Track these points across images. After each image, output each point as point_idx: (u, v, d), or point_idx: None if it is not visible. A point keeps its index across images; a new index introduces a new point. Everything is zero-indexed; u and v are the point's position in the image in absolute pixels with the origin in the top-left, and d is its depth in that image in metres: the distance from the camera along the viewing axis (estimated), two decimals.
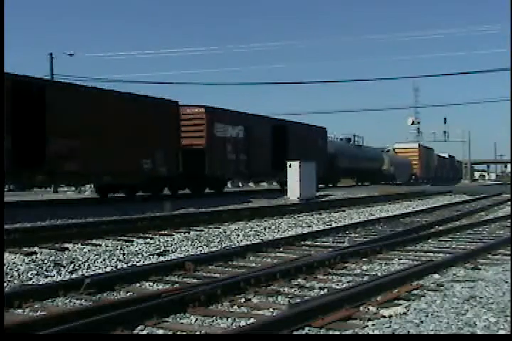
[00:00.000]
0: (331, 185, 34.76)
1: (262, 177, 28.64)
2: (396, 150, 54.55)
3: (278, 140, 26.00)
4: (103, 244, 9.34)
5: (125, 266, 7.74)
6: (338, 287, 6.11)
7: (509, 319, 4.31)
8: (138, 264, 7.82)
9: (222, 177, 24.14)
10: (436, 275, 6.58)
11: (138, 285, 6.39)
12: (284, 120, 28.45)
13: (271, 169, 25.44)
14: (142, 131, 18.15)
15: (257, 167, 24.76)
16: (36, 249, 8.66)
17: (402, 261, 7.80)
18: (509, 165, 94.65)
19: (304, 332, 4.40)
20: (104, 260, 7.95)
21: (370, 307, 5.06)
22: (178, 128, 20.13)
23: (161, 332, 4.53)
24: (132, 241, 9.76)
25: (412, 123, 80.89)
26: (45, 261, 7.58)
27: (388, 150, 57.64)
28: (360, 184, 41.02)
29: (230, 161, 22.99)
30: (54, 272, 7.16)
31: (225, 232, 11.14)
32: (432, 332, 4.08)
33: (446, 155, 74.36)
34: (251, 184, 39.24)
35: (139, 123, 18.06)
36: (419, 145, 58.02)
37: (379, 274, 6.79)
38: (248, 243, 9.79)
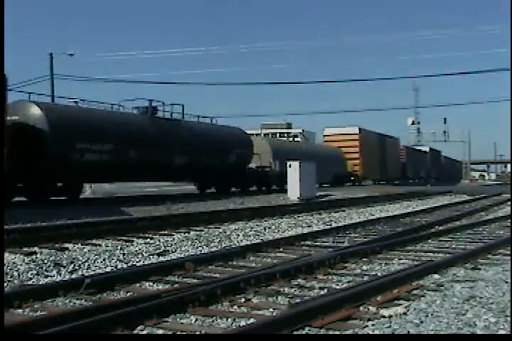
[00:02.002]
0: None
1: None
2: (326, 138, 40.68)
3: None
4: (103, 244, 9.34)
5: (125, 266, 7.74)
6: (338, 287, 6.11)
7: (509, 319, 4.31)
8: (138, 264, 7.82)
9: None
10: (436, 275, 6.58)
11: (138, 285, 6.38)
12: None
13: None
14: None
15: None
16: (36, 249, 8.66)
17: (402, 261, 7.80)
18: (509, 165, 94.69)
19: (304, 332, 4.40)
20: (104, 260, 7.95)
21: (370, 307, 5.06)
22: None
23: (161, 332, 4.52)
24: (132, 241, 9.76)
25: (412, 123, 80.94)
26: (45, 261, 7.58)
27: (296, 136, 48.32)
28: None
29: None
30: (54, 272, 7.15)
31: (225, 232, 11.14)
32: (432, 332, 4.08)
33: (425, 149, 63.27)
34: None
35: None
36: (359, 129, 40.14)
37: (379, 274, 6.79)
38: (248, 243, 9.79)
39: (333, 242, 9.94)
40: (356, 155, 39.58)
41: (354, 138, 39.59)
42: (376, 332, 4.21)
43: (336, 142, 39.22)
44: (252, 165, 27.50)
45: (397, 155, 49.76)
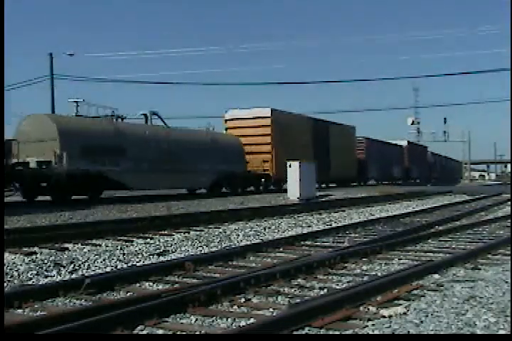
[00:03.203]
0: None
1: None
2: (229, 124, 28.45)
3: None
4: (103, 244, 9.33)
5: (125, 266, 7.74)
6: (338, 287, 6.11)
7: (509, 319, 4.31)
8: (138, 264, 7.82)
9: None
10: (436, 275, 6.58)
11: (138, 285, 6.38)
12: None
13: None
14: None
15: None
16: (36, 249, 8.66)
17: (402, 261, 7.80)
18: (509, 165, 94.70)
19: (304, 332, 4.40)
20: (104, 260, 7.95)
21: (370, 307, 5.06)
22: None
23: (161, 332, 4.52)
24: (132, 241, 9.76)
25: (412, 123, 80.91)
26: (45, 261, 7.58)
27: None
28: None
29: None
30: (54, 272, 7.15)
31: (225, 232, 11.14)
32: (432, 332, 4.08)
33: (403, 143, 52.46)
34: None
35: None
36: (272, 111, 28.02)
37: (379, 274, 6.79)
38: (248, 243, 9.79)
39: (333, 242, 9.94)
40: (267, 148, 27.09)
41: (264, 122, 27.35)
42: (376, 332, 4.20)
43: (242, 129, 27.30)
44: (32, 159, 17.65)
45: (351, 149, 37.86)
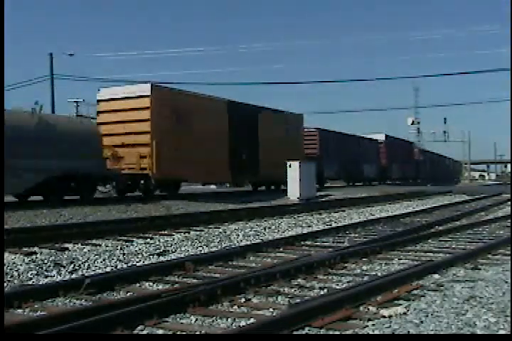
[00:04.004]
0: None
1: None
2: (101, 107, 20.98)
3: None
4: (103, 244, 9.33)
5: (125, 266, 7.74)
6: (338, 287, 6.11)
7: (509, 319, 4.31)
8: (138, 264, 7.82)
9: None
10: (436, 275, 6.58)
11: (138, 285, 6.38)
12: None
13: None
14: None
15: None
16: (36, 249, 8.66)
17: (402, 261, 7.80)
18: (509, 165, 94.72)
19: (304, 332, 4.40)
20: (104, 260, 7.95)
21: (370, 307, 5.06)
22: None
23: (161, 332, 4.52)
24: (132, 241, 9.76)
25: (412, 123, 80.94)
26: (45, 261, 7.58)
27: None
28: None
29: None
30: (54, 272, 7.15)
31: (225, 232, 11.14)
32: (432, 332, 4.08)
33: (379, 137, 43.63)
34: None
35: None
36: (151, 87, 20.19)
37: (379, 274, 6.79)
38: (248, 243, 9.79)
39: (333, 242, 9.94)
40: (145, 139, 19.50)
41: (142, 104, 19.81)
42: (376, 332, 4.20)
43: (116, 113, 20.13)
44: None
45: (296, 144, 28.73)
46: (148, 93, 19.96)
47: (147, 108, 19.78)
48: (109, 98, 20.54)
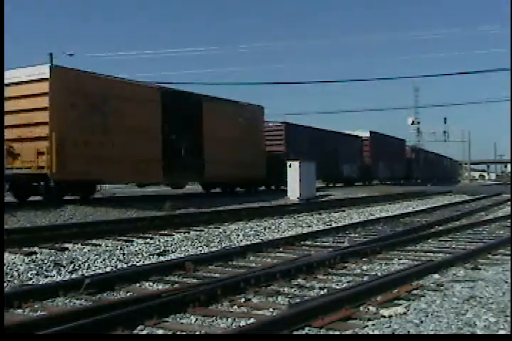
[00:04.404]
0: None
1: None
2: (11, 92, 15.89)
3: None
4: (103, 244, 9.33)
5: (125, 266, 7.74)
6: (338, 287, 6.11)
7: (509, 319, 4.31)
8: (138, 264, 7.82)
9: None
10: (436, 275, 6.58)
11: (138, 285, 6.38)
12: None
13: None
14: None
15: None
16: (36, 249, 8.66)
17: (402, 261, 7.79)
18: (509, 165, 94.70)
19: (304, 332, 4.40)
20: (104, 260, 7.95)
21: (370, 307, 5.06)
22: None
23: (161, 332, 4.52)
24: (132, 241, 9.76)
25: (412, 123, 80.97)
26: (45, 261, 7.58)
27: None
28: None
29: None
30: (54, 272, 7.15)
31: (225, 232, 11.14)
32: (432, 332, 4.08)
33: (363, 134, 39.84)
34: None
35: None
36: (50, 69, 16.05)
37: (379, 274, 6.79)
38: (248, 243, 9.79)
39: (333, 242, 9.94)
40: (43, 131, 15.98)
41: (40, 89, 16.17)
42: (376, 332, 4.20)
43: (14, 101, 16.22)
44: None
45: (256, 139, 24.92)
46: (47, 76, 16.04)
47: (45, 94, 16.02)
48: (8, 82, 16.23)
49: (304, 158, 25.32)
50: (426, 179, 51.51)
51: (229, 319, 4.87)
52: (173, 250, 9.06)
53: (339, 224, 12.85)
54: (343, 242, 9.81)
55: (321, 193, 25.64)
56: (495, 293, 5.33)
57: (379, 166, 41.56)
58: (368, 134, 39.93)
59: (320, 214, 15.93)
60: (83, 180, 16.94)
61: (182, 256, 8.41)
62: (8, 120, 15.67)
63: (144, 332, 4.50)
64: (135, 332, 4.50)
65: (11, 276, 6.77)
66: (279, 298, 5.68)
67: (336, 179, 36.59)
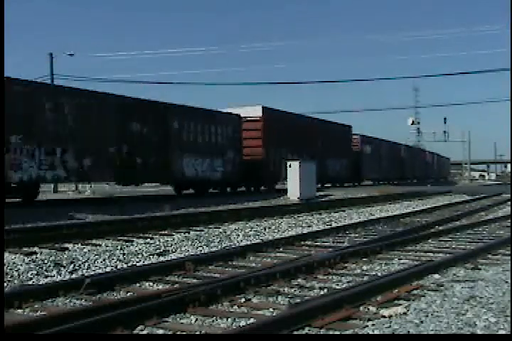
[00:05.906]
0: None
1: None
2: None
3: None
4: (103, 244, 9.33)
5: (125, 266, 7.74)
6: (338, 287, 6.11)
7: (509, 319, 4.31)
8: (138, 264, 7.82)
9: None
10: (436, 275, 6.58)
11: (138, 285, 6.38)
12: None
13: None
14: None
15: None
16: (36, 249, 8.65)
17: (402, 261, 7.79)
18: (509, 165, 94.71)
19: (304, 332, 4.40)
20: (104, 260, 7.95)
21: (370, 307, 5.06)
22: None
23: (161, 332, 4.52)
24: (132, 241, 9.75)
25: (412, 123, 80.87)
26: (45, 261, 7.58)
27: None
28: None
29: None
30: (54, 272, 7.15)
31: (225, 232, 11.14)
32: (432, 332, 4.08)
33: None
34: None
35: None
36: None
37: (379, 274, 6.79)
38: (248, 243, 9.79)
39: (333, 242, 9.94)
40: None
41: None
42: (376, 332, 4.20)
43: None
44: None
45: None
46: None
47: None
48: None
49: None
50: (383, 179, 39.96)
51: (229, 319, 4.87)
52: (173, 250, 9.06)
53: (339, 224, 12.85)
54: (343, 242, 9.81)
55: (321, 193, 25.63)
56: (495, 293, 5.33)
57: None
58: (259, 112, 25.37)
59: (320, 214, 15.93)
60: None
61: (182, 256, 8.41)
62: None
63: (144, 332, 4.50)
64: (135, 332, 4.49)
65: (11, 276, 6.77)
66: (279, 298, 5.68)
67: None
